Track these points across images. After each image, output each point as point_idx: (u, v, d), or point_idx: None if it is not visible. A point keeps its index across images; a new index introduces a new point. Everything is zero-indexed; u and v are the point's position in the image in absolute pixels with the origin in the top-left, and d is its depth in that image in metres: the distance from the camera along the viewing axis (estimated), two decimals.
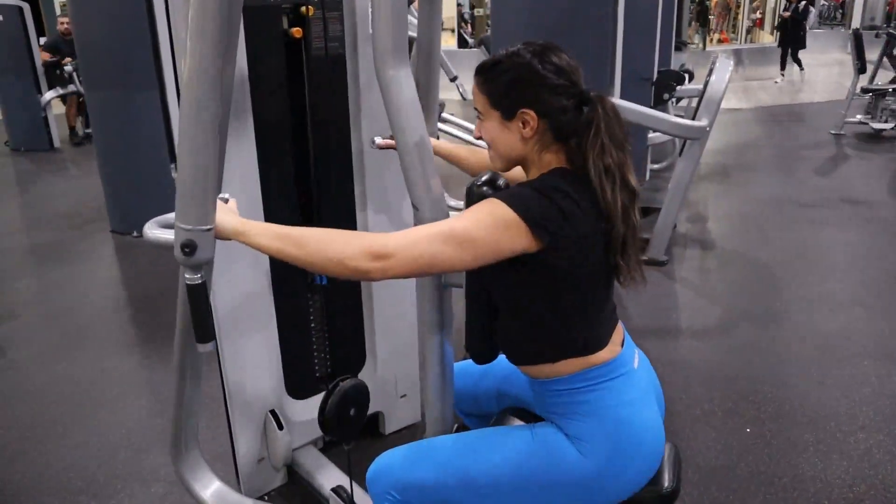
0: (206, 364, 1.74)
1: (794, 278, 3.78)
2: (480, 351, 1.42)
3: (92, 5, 4.23)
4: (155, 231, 1.67)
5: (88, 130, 7.83)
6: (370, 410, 2.25)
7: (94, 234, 4.64)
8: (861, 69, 7.32)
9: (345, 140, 2.01)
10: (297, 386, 2.12)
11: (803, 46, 12.47)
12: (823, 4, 22.64)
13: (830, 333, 3.13)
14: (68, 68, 7.70)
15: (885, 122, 7.24)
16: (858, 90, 7.41)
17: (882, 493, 2.12)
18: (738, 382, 2.71)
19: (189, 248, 1.17)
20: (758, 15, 19.03)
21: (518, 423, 1.51)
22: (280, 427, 2.01)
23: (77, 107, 8.24)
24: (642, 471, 1.29)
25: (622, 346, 1.35)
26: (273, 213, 1.88)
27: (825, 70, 13.52)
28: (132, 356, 3.00)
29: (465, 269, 1.19)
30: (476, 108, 1.30)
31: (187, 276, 1.23)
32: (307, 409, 2.15)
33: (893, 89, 7.38)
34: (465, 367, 1.64)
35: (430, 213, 1.34)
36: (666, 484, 1.36)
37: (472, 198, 1.30)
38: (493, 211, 1.16)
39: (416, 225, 1.37)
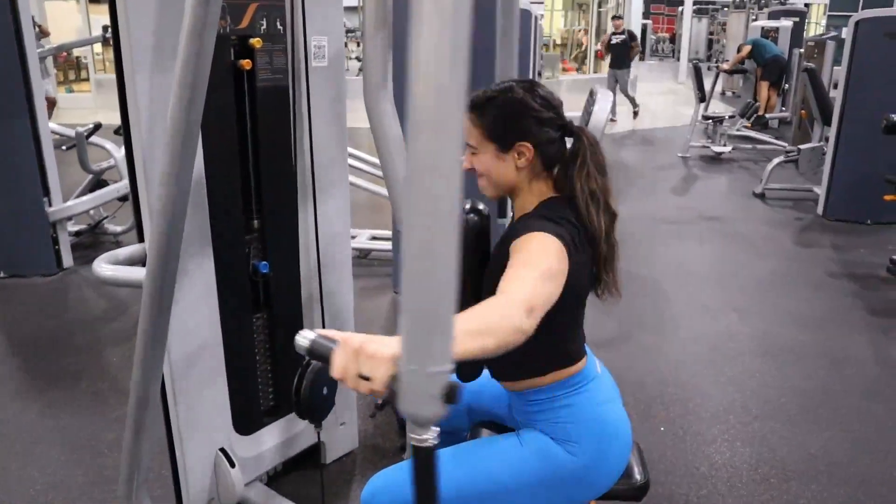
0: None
1: (676, 289, 4.15)
2: (469, 370, 1.48)
3: None
4: (111, 269, 1.59)
5: None
6: (310, 442, 2.26)
7: None
8: (701, 98, 8.15)
9: (289, 170, 2.01)
10: (244, 421, 2.07)
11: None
12: (653, 38, 24.91)
13: (717, 336, 3.48)
14: None
15: (724, 145, 8.09)
16: (700, 118, 8.23)
17: (781, 471, 2.40)
18: (647, 387, 2.95)
19: (452, 395, 0.76)
20: (599, 47, 20.60)
21: (490, 434, 1.59)
22: (232, 465, 1.96)
23: None
24: (621, 461, 1.42)
25: (586, 354, 1.47)
26: (220, 236, 1.84)
27: (662, 98, 14.82)
28: (33, 405, 2.75)
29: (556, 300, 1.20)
30: (468, 143, 1.38)
31: (418, 436, 0.82)
32: (254, 445, 2.10)
33: (729, 116, 8.28)
34: None
35: None
36: (638, 476, 1.50)
37: (462, 226, 1.37)
38: (547, 244, 1.22)
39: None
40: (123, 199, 4.43)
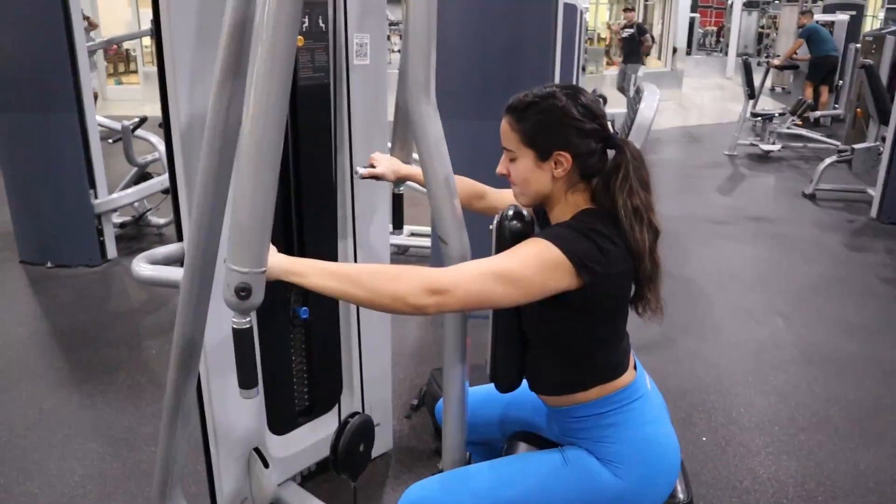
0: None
1: (718, 292, 4.04)
2: (508, 381, 1.45)
3: (3, 21, 3.95)
4: (149, 269, 1.59)
5: None
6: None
7: (1, 266, 4.30)
8: (751, 95, 7.93)
9: (328, 170, 1.99)
10: (279, 421, 2.06)
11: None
12: (700, 31, 24.35)
13: (761, 342, 3.37)
14: None
15: (773, 143, 7.87)
16: (748, 114, 8.02)
17: (829, 488, 2.31)
18: (688, 394, 2.87)
19: (245, 291, 1.12)
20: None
21: (528, 448, 1.55)
22: (266, 465, 1.95)
23: None
24: (668, 483, 1.36)
25: (636, 369, 1.42)
26: None
27: (709, 93, 14.51)
28: (71, 396, 2.81)
29: (512, 305, 1.22)
30: (506, 147, 1.34)
31: (235, 320, 1.17)
32: (288, 445, 2.10)
33: (779, 114, 8.04)
34: None
35: (458, 248, 1.37)
36: (681, 496, 1.45)
37: (504, 232, 1.33)
38: (541, 252, 1.20)
39: (443, 258, 1.39)
40: (167, 191, 4.49)
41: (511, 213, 1.35)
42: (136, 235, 4.80)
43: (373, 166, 1.73)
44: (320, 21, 1.84)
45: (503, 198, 1.66)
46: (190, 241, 1.47)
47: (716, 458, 2.46)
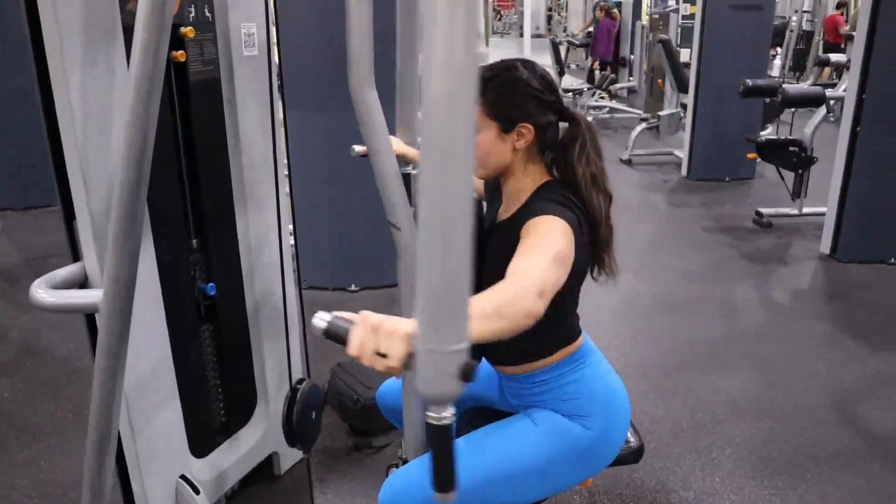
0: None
1: None
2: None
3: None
4: (53, 295, 1.39)
5: None
6: (262, 456, 2.15)
7: None
8: (560, 72, 8.50)
9: (224, 163, 1.87)
10: (200, 444, 1.92)
11: None
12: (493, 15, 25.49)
13: (622, 297, 3.66)
14: None
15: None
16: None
17: (713, 416, 2.58)
18: None
19: (468, 373, 0.78)
20: None
21: (484, 422, 1.59)
22: (196, 492, 1.81)
23: None
24: (626, 428, 1.47)
25: None
26: (160, 234, 1.68)
27: None
28: None
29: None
30: None
31: (436, 414, 0.82)
32: (212, 467, 1.96)
33: (588, 88, 8.69)
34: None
35: (409, 232, 1.36)
36: (633, 440, 1.57)
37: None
38: (562, 227, 1.22)
39: (396, 245, 1.37)
40: None
41: None
42: None
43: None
44: (206, 10, 1.72)
45: None
46: (110, 260, 1.32)
47: None
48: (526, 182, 1.36)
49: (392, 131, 1.41)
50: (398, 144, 1.70)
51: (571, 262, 1.22)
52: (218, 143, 1.83)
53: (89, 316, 1.55)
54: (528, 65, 1.33)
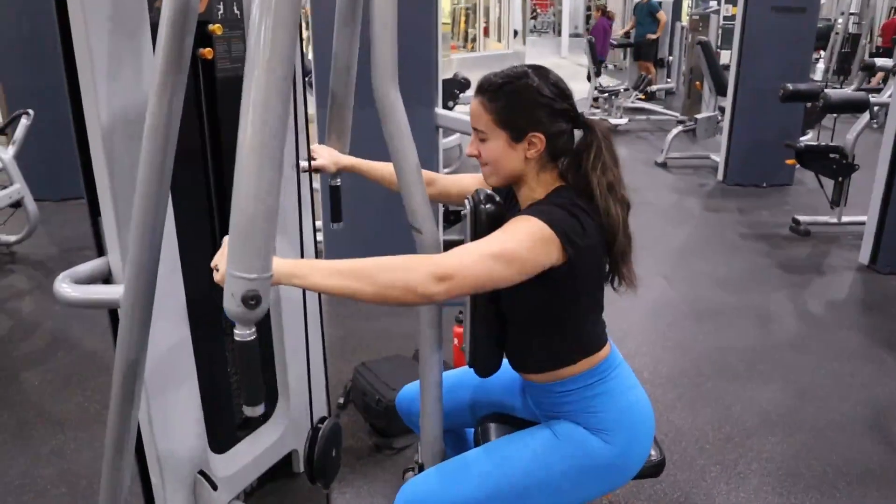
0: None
1: None
2: (488, 364, 1.44)
3: None
4: (77, 290, 1.41)
5: None
6: (282, 453, 2.15)
7: None
8: (598, 73, 8.40)
9: None
10: (220, 440, 1.93)
11: None
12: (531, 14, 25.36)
13: (654, 304, 3.60)
14: None
15: (620, 118, 8.38)
16: (595, 91, 8.48)
17: (742, 428, 2.52)
18: None
19: (254, 299, 1.02)
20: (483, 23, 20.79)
21: (503, 428, 1.56)
22: (214, 487, 1.82)
23: None
24: (649, 444, 1.44)
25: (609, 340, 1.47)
26: (184, 231, 1.69)
27: None
28: None
29: (511, 284, 1.21)
30: (477, 127, 1.32)
31: (241, 332, 1.06)
32: (230, 463, 1.97)
33: (624, 89, 8.58)
34: None
35: (430, 235, 1.34)
36: (654, 454, 1.52)
37: (481, 217, 1.32)
38: (533, 229, 1.20)
39: (418, 248, 1.35)
40: (16, 205, 4.04)
41: (483, 196, 1.34)
42: None
43: (313, 159, 1.64)
44: (235, 7, 1.72)
45: (453, 182, 1.65)
46: (132, 256, 1.33)
47: None
48: (538, 191, 1.34)
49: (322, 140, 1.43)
50: (341, 157, 1.71)
51: (534, 268, 1.20)
52: None
53: (112, 311, 1.56)
54: (541, 72, 1.30)
